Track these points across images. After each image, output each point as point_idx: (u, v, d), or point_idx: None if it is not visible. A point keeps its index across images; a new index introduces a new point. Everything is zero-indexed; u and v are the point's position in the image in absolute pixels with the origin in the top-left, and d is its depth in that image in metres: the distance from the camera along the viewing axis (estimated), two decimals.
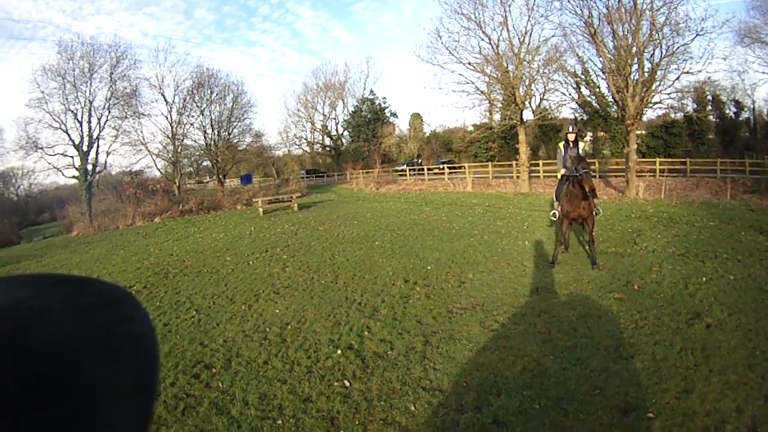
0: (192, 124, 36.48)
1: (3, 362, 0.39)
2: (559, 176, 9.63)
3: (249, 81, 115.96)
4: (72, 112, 30.64)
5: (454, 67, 25.06)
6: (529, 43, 22.76)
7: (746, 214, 13.04)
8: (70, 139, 30.95)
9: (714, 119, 37.75)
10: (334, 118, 62.85)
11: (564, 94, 30.82)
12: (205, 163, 41.28)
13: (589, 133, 38.07)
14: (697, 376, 4.25)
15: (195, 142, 37.26)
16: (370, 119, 56.80)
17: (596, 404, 3.91)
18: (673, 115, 36.76)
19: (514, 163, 29.47)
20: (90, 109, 31.15)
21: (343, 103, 62.27)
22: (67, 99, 30.42)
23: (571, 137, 9.61)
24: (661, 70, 18.65)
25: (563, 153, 9.55)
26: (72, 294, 0.50)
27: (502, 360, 4.90)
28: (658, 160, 27.22)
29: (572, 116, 39.96)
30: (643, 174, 24.64)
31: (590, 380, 4.29)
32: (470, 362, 4.99)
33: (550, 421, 3.76)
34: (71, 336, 0.45)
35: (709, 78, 23.52)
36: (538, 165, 29.67)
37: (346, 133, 61.54)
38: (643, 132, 35.77)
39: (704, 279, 7.12)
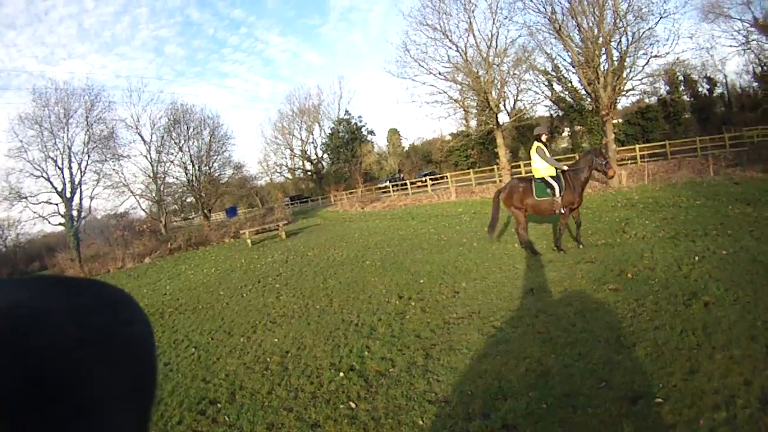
0: (172, 162, 36.69)
1: (3, 363, 0.39)
2: (556, 173, 9.76)
3: (224, 113, 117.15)
4: (52, 159, 30.65)
5: (425, 79, 25.21)
6: (496, 47, 23.06)
7: (731, 188, 13.19)
8: (53, 186, 30.88)
9: (688, 99, 38.36)
10: (312, 142, 63.55)
11: (537, 93, 31.32)
12: (189, 199, 41.49)
13: (567, 129, 38.49)
14: (701, 356, 4.24)
15: (176, 179, 37.45)
16: (348, 139, 57.37)
17: (603, 397, 3.88)
18: (647, 100, 37.31)
19: (495, 167, 29.73)
20: (69, 155, 31.19)
21: (320, 126, 62.97)
22: (45, 146, 30.49)
23: (545, 138, 10.05)
24: (630, 57, 18.95)
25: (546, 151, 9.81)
26: (71, 295, 0.50)
27: (504, 364, 4.87)
28: (637, 146, 27.56)
29: (547, 114, 40.44)
30: (625, 162, 24.92)
31: (594, 374, 4.27)
32: (473, 370, 4.95)
33: (559, 419, 3.73)
34: (70, 337, 0.45)
35: (678, 59, 23.83)
36: (519, 166, 29.91)
37: (325, 156, 62.19)
38: (620, 120, 36.22)
39: (697, 258, 7.16)
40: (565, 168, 9.79)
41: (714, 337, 4.52)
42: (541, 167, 9.83)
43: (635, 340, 4.83)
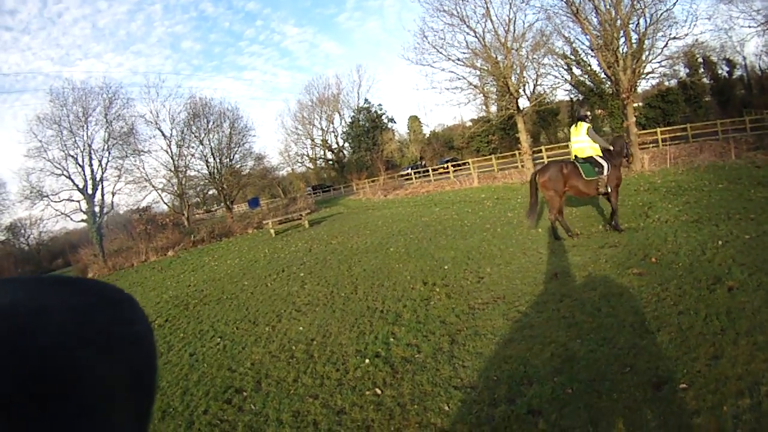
0: (193, 155, 36.84)
1: (2, 363, 0.39)
2: (602, 152, 9.78)
3: (244, 105, 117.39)
4: (72, 157, 30.82)
5: (444, 65, 25.16)
6: (514, 31, 22.77)
7: (753, 172, 13.01)
8: (74, 184, 31.13)
9: (708, 81, 37.63)
10: (333, 132, 63.23)
11: (556, 77, 30.95)
12: (211, 192, 41.55)
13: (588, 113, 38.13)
14: (725, 341, 4.24)
15: (198, 172, 37.59)
16: (369, 128, 56.97)
17: (628, 382, 3.91)
18: (667, 83, 36.76)
19: (516, 152, 29.49)
20: (90, 153, 31.36)
21: (340, 115, 62.64)
22: (65, 145, 30.64)
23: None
24: (648, 39, 18.64)
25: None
26: (71, 295, 0.51)
27: (529, 349, 4.92)
28: (659, 130, 27.14)
29: (567, 98, 40.03)
30: (646, 146, 24.57)
31: (619, 359, 4.29)
32: (498, 355, 5.00)
33: (584, 404, 3.77)
34: (70, 337, 0.45)
35: (696, 40, 23.44)
36: (540, 151, 29.67)
37: (346, 144, 61.85)
38: (640, 104, 35.76)
39: (720, 242, 7.09)
40: (611, 148, 9.79)
41: (738, 323, 4.51)
42: (587, 146, 9.79)
43: (659, 324, 4.84)
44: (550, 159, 27.15)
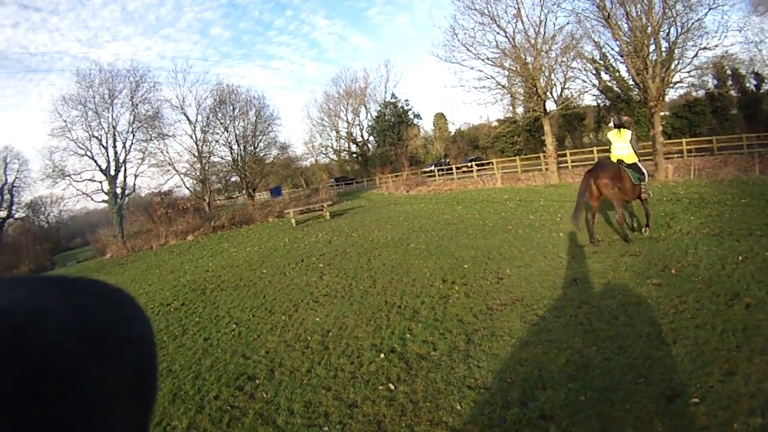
0: (217, 141, 37.06)
1: (2, 362, 0.39)
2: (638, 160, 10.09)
3: (270, 94, 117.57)
4: (96, 138, 31.23)
5: (473, 64, 24.97)
6: (544, 33, 22.70)
7: None
8: (97, 164, 31.54)
9: (736, 94, 37.04)
10: (358, 125, 63.32)
11: (585, 82, 30.62)
12: (233, 179, 41.86)
13: (612, 118, 37.76)
14: (740, 358, 4.24)
15: (222, 158, 37.79)
16: (394, 123, 56.90)
17: (641, 392, 3.94)
18: (694, 94, 36.31)
19: (541, 155, 29.31)
20: (114, 134, 31.74)
21: (366, 108, 62.62)
22: (90, 126, 31.05)
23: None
24: (678, 48, 18.45)
25: None
26: (71, 295, 0.51)
27: (545, 354, 4.96)
28: (684, 140, 26.89)
29: (594, 103, 39.69)
30: (671, 155, 24.34)
31: (634, 368, 4.32)
32: (513, 358, 5.05)
33: (596, 412, 3.80)
34: (70, 337, 0.45)
35: (726, 52, 23.08)
36: (565, 155, 29.50)
37: (371, 138, 61.85)
38: (667, 113, 35.33)
39: (740, 258, 7.04)
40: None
41: (754, 340, 4.51)
42: (631, 153, 10.00)
43: (676, 337, 4.86)
44: (573, 164, 27.04)
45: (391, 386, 4.94)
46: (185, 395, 5.56)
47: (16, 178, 47.51)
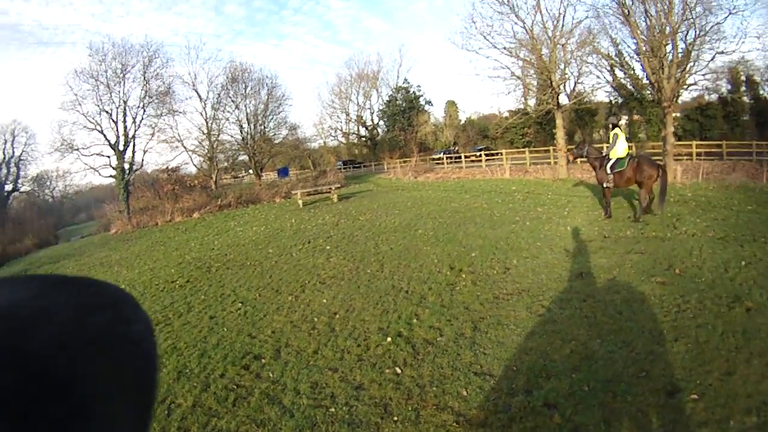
0: (227, 119, 37.10)
1: (2, 363, 0.39)
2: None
3: (282, 74, 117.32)
4: (107, 112, 31.10)
5: (489, 53, 24.82)
6: (562, 26, 22.48)
7: None
8: (106, 139, 31.41)
9: (749, 100, 36.87)
10: (369, 108, 62.48)
11: (599, 77, 30.46)
12: (241, 158, 41.74)
13: (624, 117, 37.60)
14: (739, 359, 4.34)
15: (231, 137, 37.82)
16: (405, 108, 56.29)
17: (643, 386, 4.04)
18: (707, 97, 36.14)
19: (551, 148, 29.19)
20: (125, 109, 31.62)
21: (377, 92, 61.79)
22: (101, 100, 30.83)
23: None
24: (695, 50, 18.33)
25: None
26: (72, 295, 0.51)
27: (550, 344, 5.06)
28: (694, 143, 26.79)
29: (607, 100, 39.52)
30: (681, 157, 24.30)
31: (636, 363, 4.42)
32: (519, 347, 5.14)
33: (598, 402, 3.90)
34: (71, 337, 0.45)
35: (743, 58, 22.99)
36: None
37: (381, 122, 61.06)
38: (679, 114, 35.19)
39: (743, 263, 7.12)
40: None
41: (753, 343, 4.60)
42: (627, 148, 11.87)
43: (677, 335, 4.95)
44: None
45: (398, 370, 5.01)
46: (190, 373, 5.60)
47: (23, 151, 47.95)
